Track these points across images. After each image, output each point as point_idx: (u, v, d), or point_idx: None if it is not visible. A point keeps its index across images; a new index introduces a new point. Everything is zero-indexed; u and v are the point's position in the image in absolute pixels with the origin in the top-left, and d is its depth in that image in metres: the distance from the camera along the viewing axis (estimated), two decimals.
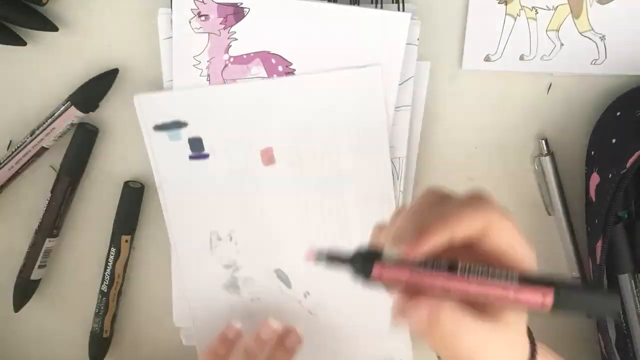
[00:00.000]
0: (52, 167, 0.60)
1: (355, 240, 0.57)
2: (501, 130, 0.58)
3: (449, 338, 0.37)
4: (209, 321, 0.61)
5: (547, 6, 0.55)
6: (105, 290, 0.60)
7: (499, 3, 0.55)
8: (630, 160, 0.48)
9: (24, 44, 0.57)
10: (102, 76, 0.57)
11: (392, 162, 0.57)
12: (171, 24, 0.54)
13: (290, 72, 0.55)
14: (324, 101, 0.55)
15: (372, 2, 0.55)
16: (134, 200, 0.59)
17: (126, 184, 0.60)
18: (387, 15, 0.53)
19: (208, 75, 0.55)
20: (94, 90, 0.57)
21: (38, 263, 0.60)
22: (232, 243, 0.59)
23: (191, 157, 0.57)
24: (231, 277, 0.60)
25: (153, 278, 0.62)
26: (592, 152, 0.55)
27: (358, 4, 0.54)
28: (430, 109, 0.58)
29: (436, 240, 0.36)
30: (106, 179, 0.60)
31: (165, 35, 0.55)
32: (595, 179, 0.53)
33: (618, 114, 0.53)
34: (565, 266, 0.59)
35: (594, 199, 0.53)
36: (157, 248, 0.61)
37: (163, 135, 0.57)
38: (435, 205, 0.38)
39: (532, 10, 0.55)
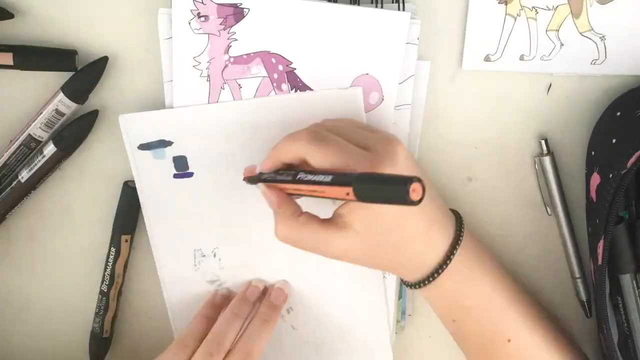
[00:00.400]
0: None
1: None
2: (501, 130, 0.58)
3: (291, 238, 0.50)
4: None
5: (547, 6, 0.55)
6: (105, 290, 0.60)
7: (499, 3, 0.55)
8: (631, 161, 0.48)
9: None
10: (92, 65, 0.56)
11: None
12: (171, 24, 0.54)
13: (291, 71, 0.55)
14: (307, 120, 0.55)
15: (372, 2, 0.55)
16: (134, 200, 0.59)
17: (126, 183, 0.60)
18: (387, 15, 0.53)
19: (208, 76, 0.55)
20: (85, 80, 0.57)
21: None
22: (216, 259, 0.60)
23: (175, 176, 0.58)
24: None
25: (153, 278, 0.61)
26: (593, 153, 0.55)
27: (358, 4, 0.54)
28: (430, 109, 0.58)
29: (268, 164, 0.51)
30: (106, 179, 0.60)
31: (166, 35, 0.55)
32: (595, 179, 0.53)
33: (618, 114, 0.53)
34: (565, 266, 0.60)
35: (594, 199, 0.53)
36: None
37: (147, 153, 0.57)
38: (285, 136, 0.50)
39: (532, 10, 0.55)
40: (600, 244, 0.50)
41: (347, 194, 0.42)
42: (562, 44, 0.55)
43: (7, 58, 0.56)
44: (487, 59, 0.56)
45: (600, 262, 0.49)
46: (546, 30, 0.55)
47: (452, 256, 0.51)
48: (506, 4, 0.55)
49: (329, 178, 0.45)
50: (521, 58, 0.56)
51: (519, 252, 0.60)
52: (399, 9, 0.54)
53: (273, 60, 0.54)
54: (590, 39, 0.55)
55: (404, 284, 0.55)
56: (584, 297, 0.59)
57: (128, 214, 0.60)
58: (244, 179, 0.54)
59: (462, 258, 0.51)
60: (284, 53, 0.54)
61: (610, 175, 0.50)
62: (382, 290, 0.59)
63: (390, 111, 0.55)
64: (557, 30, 0.55)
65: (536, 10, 0.55)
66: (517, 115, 0.58)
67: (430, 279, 0.51)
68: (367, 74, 0.55)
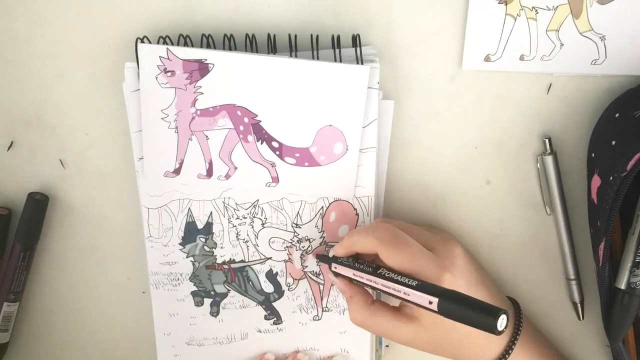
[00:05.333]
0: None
1: None
2: (501, 131, 0.58)
3: (366, 324, 0.54)
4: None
5: (547, 6, 0.55)
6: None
7: (499, 3, 0.55)
8: (631, 163, 0.48)
9: None
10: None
11: (360, 200, 0.58)
12: (137, 77, 0.55)
13: (256, 123, 0.56)
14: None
15: (332, 47, 0.55)
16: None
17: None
18: (347, 69, 0.54)
19: (176, 127, 0.56)
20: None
21: None
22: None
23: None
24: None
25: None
26: (593, 154, 0.55)
27: (318, 58, 0.55)
28: (430, 109, 0.58)
29: (341, 251, 0.54)
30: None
31: (132, 88, 0.56)
32: (596, 181, 0.53)
33: (616, 115, 0.53)
34: (560, 266, 0.60)
35: (595, 201, 0.53)
36: None
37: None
38: (357, 228, 0.56)
39: (532, 10, 0.55)
40: (601, 246, 0.51)
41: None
42: (562, 44, 0.55)
43: None
44: (487, 59, 0.56)
45: (600, 264, 0.50)
46: (546, 30, 0.55)
47: (513, 346, 0.54)
48: (506, 4, 0.55)
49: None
50: (521, 58, 0.56)
51: (517, 251, 0.60)
52: (357, 60, 0.55)
53: (238, 112, 0.56)
54: (590, 39, 0.55)
55: None
56: (577, 299, 0.59)
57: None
58: (315, 256, 0.59)
59: (522, 348, 0.55)
60: (249, 106, 0.55)
61: (611, 178, 0.50)
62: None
63: (354, 161, 0.57)
64: (557, 30, 0.55)
65: (536, 10, 0.55)
66: (517, 116, 0.58)
67: None
68: (331, 125, 0.56)
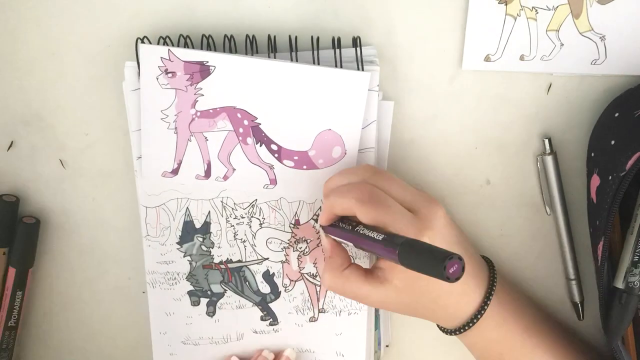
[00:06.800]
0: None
1: None
2: (501, 131, 0.58)
3: (335, 287, 0.53)
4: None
5: (547, 6, 0.55)
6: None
7: (499, 3, 0.55)
8: (630, 162, 0.48)
9: None
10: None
11: None
12: (138, 76, 0.55)
13: (256, 126, 0.56)
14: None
15: (332, 46, 0.55)
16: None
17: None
18: (347, 75, 0.54)
19: (175, 128, 0.56)
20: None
21: None
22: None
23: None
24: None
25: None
26: (592, 154, 0.55)
27: (319, 63, 0.55)
28: (431, 109, 0.58)
29: (324, 217, 0.54)
30: None
31: (132, 87, 0.56)
32: (595, 180, 0.53)
33: (616, 115, 0.53)
34: (560, 266, 0.60)
35: (595, 200, 0.53)
36: None
37: None
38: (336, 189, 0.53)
39: (532, 10, 0.55)
40: (600, 245, 0.50)
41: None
42: (562, 44, 0.55)
43: None
44: (487, 59, 0.56)
45: (599, 263, 0.50)
46: (546, 30, 0.55)
47: (486, 306, 0.53)
48: (506, 4, 0.55)
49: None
50: (521, 58, 0.56)
51: (518, 252, 0.60)
52: (357, 61, 0.55)
53: (238, 115, 0.56)
54: (590, 39, 0.55)
55: (440, 329, 0.57)
56: (577, 299, 0.59)
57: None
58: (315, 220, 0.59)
59: (496, 306, 0.54)
60: (249, 109, 0.56)
61: (610, 177, 0.50)
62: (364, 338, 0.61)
63: (353, 164, 0.57)
64: (557, 30, 0.55)
65: (536, 10, 0.55)
66: (517, 116, 0.58)
67: (466, 327, 0.54)
68: (330, 129, 0.56)
